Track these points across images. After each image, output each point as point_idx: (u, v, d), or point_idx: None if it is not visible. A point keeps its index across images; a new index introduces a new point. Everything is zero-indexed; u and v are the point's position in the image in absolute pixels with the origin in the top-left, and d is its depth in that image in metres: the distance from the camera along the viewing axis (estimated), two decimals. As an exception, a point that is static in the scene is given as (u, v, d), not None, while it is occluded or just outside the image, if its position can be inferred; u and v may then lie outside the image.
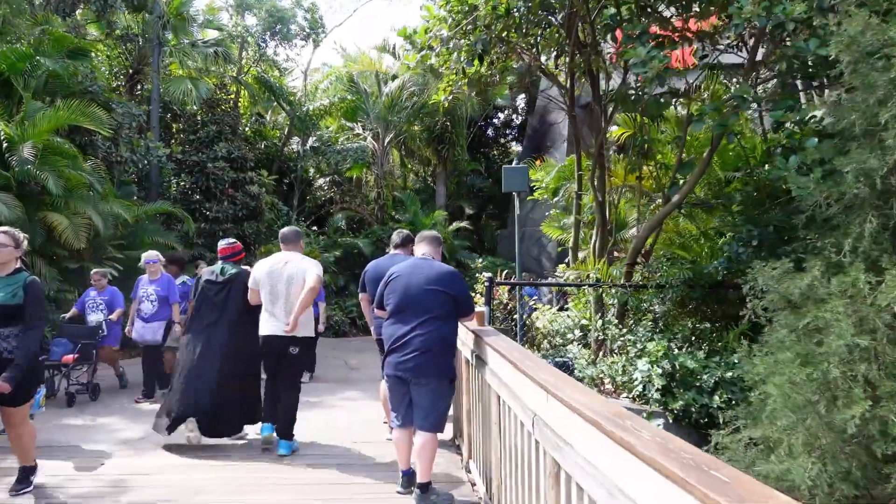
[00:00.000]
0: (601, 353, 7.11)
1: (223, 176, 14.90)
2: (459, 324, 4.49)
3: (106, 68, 18.78)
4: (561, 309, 8.43)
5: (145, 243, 12.45)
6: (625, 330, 6.10)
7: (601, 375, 6.07)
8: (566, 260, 9.39)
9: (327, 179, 21.41)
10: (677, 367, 5.34)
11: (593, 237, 7.25)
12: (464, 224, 19.41)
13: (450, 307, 4.27)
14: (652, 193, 8.49)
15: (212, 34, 17.74)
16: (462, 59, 6.63)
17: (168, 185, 16.92)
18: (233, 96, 17.40)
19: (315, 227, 20.41)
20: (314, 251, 15.64)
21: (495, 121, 27.93)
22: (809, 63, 5.22)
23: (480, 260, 19.94)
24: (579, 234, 8.27)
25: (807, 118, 5.15)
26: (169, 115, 18.35)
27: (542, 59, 8.22)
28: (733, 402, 4.96)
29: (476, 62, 6.55)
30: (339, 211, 19.95)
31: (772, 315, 3.88)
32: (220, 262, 5.45)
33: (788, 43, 5.29)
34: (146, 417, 6.14)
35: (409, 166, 25.69)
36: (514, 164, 8.12)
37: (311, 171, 21.21)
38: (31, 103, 10.48)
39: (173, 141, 17.49)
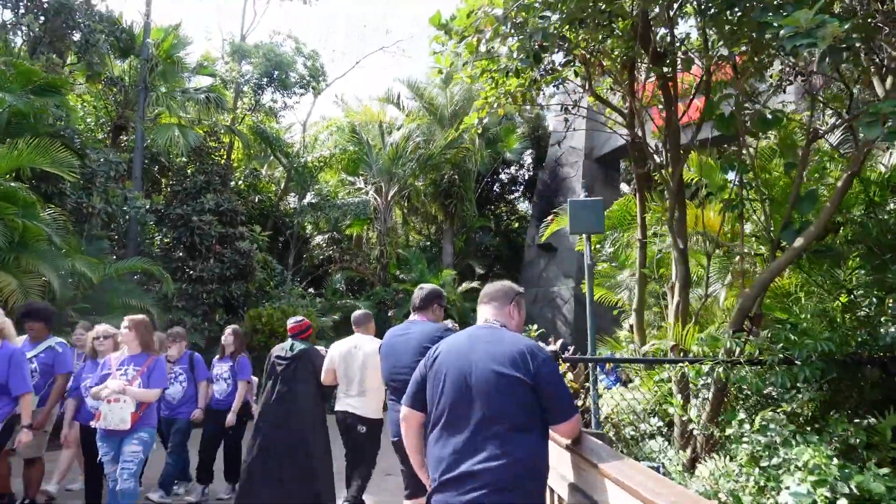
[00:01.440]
0: (688, 450, 5.33)
1: (210, 231, 13.31)
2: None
3: (92, 119, 17.55)
4: (623, 385, 6.71)
5: (114, 307, 10.72)
6: (750, 427, 4.37)
7: (717, 491, 4.28)
8: (628, 325, 7.67)
9: (325, 237, 19.88)
10: (853, 489, 3.58)
11: (674, 297, 5.61)
12: (474, 284, 17.74)
13: (535, 408, 2.58)
14: (728, 243, 6.89)
15: (205, 81, 16.56)
16: (515, 54, 5.19)
17: (151, 241, 15.33)
18: (225, 145, 16.03)
19: (311, 289, 18.72)
20: (311, 314, 13.89)
21: (503, 176, 26.74)
22: None
23: (492, 323, 18.16)
24: (644, 292, 6.62)
25: None
26: (157, 168, 16.98)
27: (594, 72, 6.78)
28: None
29: (532, 60, 5.11)
30: (339, 271, 18.30)
31: None
32: (289, 338, 5.66)
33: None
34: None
35: (412, 224, 24.26)
36: (581, 198, 6.43)
37: (309, 227, 19.70)
38: (-16, 143, 8.97)
39: (160, 195, 16.01)
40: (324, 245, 19.57)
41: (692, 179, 7.71)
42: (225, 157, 16.10)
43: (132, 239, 13.19)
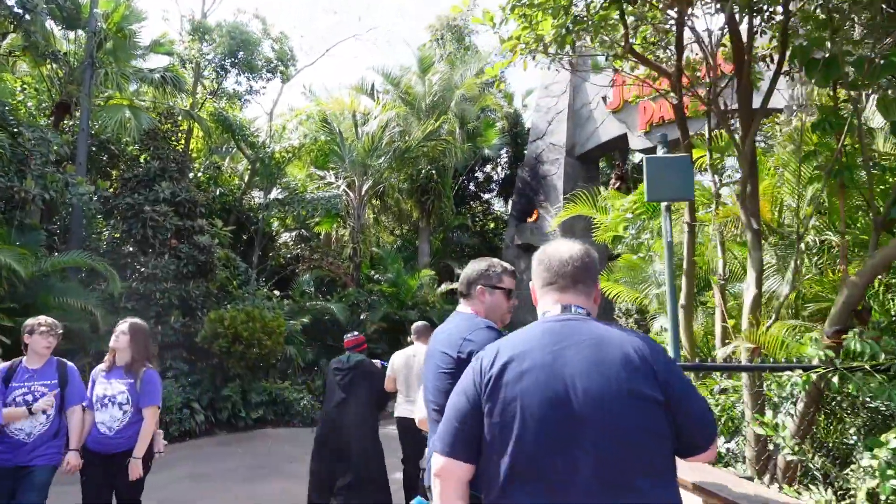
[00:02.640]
0: (766, 476, 4.31)
1: (165, 223, 11.85)
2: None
3: (33, 102, 15.83)
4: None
5: (50, 307, 9.22)
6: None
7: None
8: (660, 325, 6.61)
9: (293, 234, 18.47)
10: None
11: (749, 289, 4.56)
12: (455, 286, 16.58)
13: (670, 442, 1.63)
14: (781, 229, 5.90)
15: (160, 62, 15.05)
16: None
17: (98, 235, 13.74)
18: (183, 129, 14.53)
19: (278, 290, 17.29)
20: (278, 317, 12.55)
21: (478, 174, 25.69)
22: None
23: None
24: (694, 285, 5.57)
25: None
26: (105, 157, 15.36)
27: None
28: None
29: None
30: (307, 270, 16.93)
31: None
32: (346, 351, 5.88)
33: None
34: None
35: (382, 223, 23.00)
36: (658, 155, 5.23)
37: (275, 224, 18.26)
38: None
39: (109, 184, 14.41)
40: (291, 243, 18.17)
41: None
42: (183, 143, 14.60)
43: (75, 231, 11.64)
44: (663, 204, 4.39)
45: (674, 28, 5.62)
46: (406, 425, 5.62)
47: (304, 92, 21.86)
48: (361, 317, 15.98)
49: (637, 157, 29.15)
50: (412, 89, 18.28)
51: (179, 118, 14.05)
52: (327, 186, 18.22)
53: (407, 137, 17.45)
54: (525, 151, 25.53)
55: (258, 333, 11.81)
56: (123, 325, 4.38)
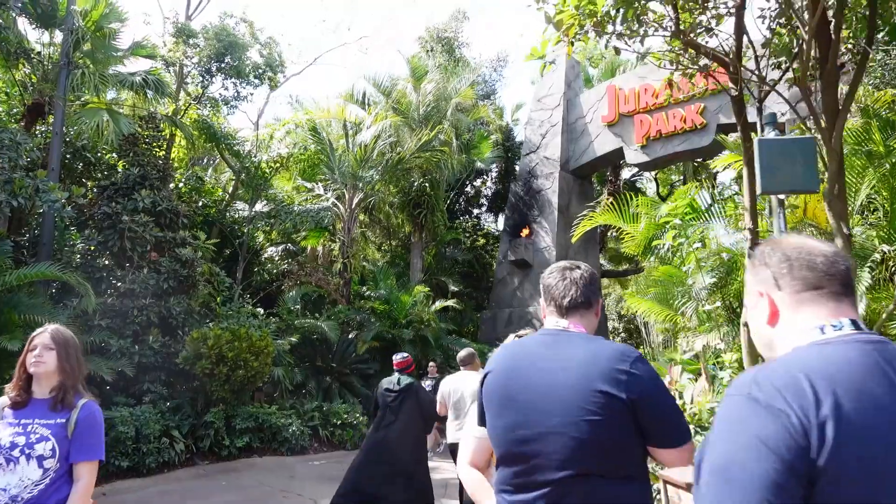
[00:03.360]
0: None
1: (145, 234, 10.98)
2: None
3: (3, 108, 14.88)
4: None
5: (15, 325, 8.31)
6: None
7: None
8: (700, 344, 5.93)
9: (280, 249, 17.62)
10: None
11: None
12: (450, 303, 15.88)
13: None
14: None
15: (142, 66, 14.23)
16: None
17: (72, 246, 12.79)
18: (165, 135, 13.68)
19: (262, 307, 16.39)
20: (265, 335, 11.69)
21: (468, 189, 25.09)
22: None
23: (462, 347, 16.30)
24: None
25: None
26: (81, 165, 14.43)
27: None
28: None
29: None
30: (294, 286, 16.08)
31: None
32: (396, 373, 6.07)
33: None
34: None
35: (370, 237, 22.23)
36: (772, 137, 4.50)
37: (261, 237, 17.41)
38: None
39: (84, 192, 13.48)
40: (277, 258, 17.31)
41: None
42: (165, 149, 13.75)
43: (45, 242, 10.72)
44: (774, 198, 3.61)
45: (729, 12, 5.03)
46: (455, 451, 5.62)
47: (291, 102, 21.12)
48: (352, 335, 15.17)
49: (628, 173, 28.85)
50: (405, 98, 17.67)
51: (162, 124, 13.22)
52: (315, 199, 17.44)
53: (399, 148, 16.79)
54: (517, 166, 25.04)
55: (244, 354, 10.95)
56: (44, 336, 2.74)
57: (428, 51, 23.56)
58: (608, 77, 23.73)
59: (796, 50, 5.12)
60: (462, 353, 6.06)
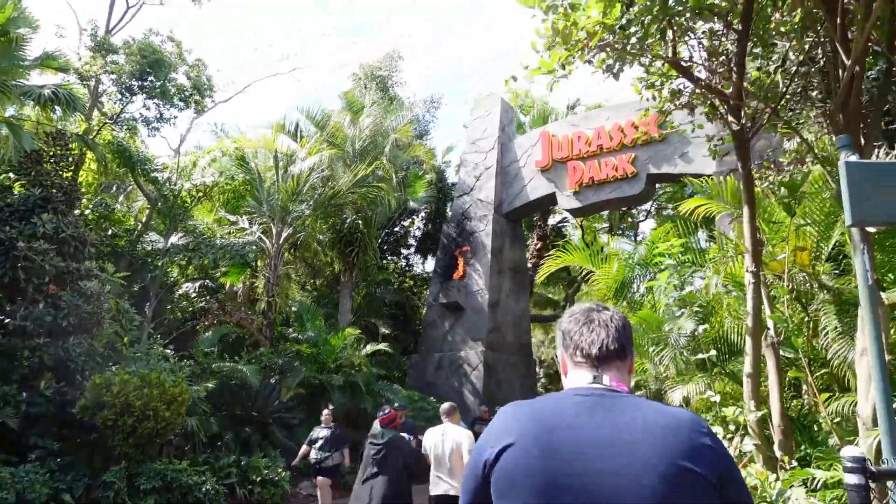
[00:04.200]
0: None
1: (43, 264, 9.63)
2: None
3: None
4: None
5: None
6: None
7: None
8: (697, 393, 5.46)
9: (197, 285, 16.26)
10: None
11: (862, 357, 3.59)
12: (382, 346, 15.06)
13: None
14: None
15: (51, 80, 12.90)
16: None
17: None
18: (74, 154, 12.31)
19: (173, 348, 14.92)
20: (179, 382, 10.45)
21: (397, 229, 24.51)
22: None
23: (395, 394, 15.49)
24: (760, 350, 4.52)
25: None
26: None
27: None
28: None
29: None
30: (212, 326, 14.78)
31: None
32: (379, 426, 6.39)
33: None
34: None
35: (295, 276, 21.09)
36: (859, 160, 4.03)
37: (175, 272, 16.01)
38: None
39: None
40: (194, 294, 15.92)
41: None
42: (73, 171, 12.37)
43: (-82, 270, 9.17)
44: (857, 232, 3.03)
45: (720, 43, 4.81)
46: (443, 500, 5.99)
47: (216, 130, 19.97)
48: (272, 380, 14.01)
49: (555, 219, 29.27)
50: (340, 132, 17.03)
51: (71, 143, 11.91)
52: (239, 233, 16.30)
53: (333, 183, 16.06)
54: (448, 207, 24.79)
55: (155, 402, 9.68)
56: None
57: (362, 87, 23.16)
58: (539, 124, 24.12)
59: (784, 88, 4.95)
60: (444, 406, 6.51)
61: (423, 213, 24.72)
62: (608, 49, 4.19)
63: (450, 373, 19.23)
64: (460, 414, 14.91)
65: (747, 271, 4.52)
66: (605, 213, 28.79)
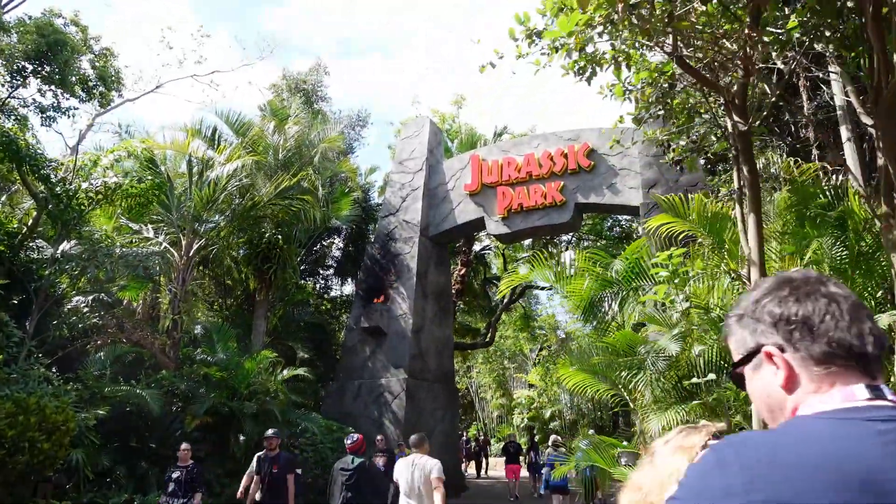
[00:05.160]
0: None
1: None
2: None
3: None
4: None
5: None
6: None
7: None
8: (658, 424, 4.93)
9: (90, 299, 14.45)
10: None
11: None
12: (300, 371, 13.90)
13: None
14: None
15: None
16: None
17: None
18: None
19: (56, 369, 13.07)
20: (64, 408, 8.93)
21: (316, 248, 23.31)
22: None
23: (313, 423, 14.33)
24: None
25: None
26: None
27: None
28: None
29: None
30: (106, 345, 13.10)
31: None
32: (349, 455, 7.10)
33: None
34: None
35: (201, 293, 19.41)
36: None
37: (65, 283, 14.17)
38: None
39: None
40: (86, 309, 14.10)
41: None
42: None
43: None
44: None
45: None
46: None
47: (120, 132, 18.28)
48: (174, 407, 12.52)
49: (478, 246, 29.02)
50: (263, 140, 15.90)
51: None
52: (143, 242, 14.71)
53: (254, 193, 14.89)
54: (369, 229, 23.91)
55: (32, 432, 8.20)
56: None
57: (282, 99, 22.07)
58: (466, 149, 23.90)
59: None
60: (414, 437, 6.69)
61: (344, 233, 23.70)
62: (635, 16, 3.67)
63: (369, 401, 18.16)
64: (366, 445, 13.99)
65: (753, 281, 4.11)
66: (527, 242, 28.93)
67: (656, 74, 4.98)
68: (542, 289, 30.22)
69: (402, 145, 22.43)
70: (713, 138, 5.47)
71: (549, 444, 17.57)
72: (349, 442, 7.09)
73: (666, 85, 5.25)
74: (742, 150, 4.40)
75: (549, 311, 35.26)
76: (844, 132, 6.81)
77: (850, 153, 6.74)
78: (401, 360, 18.51)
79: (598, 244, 27.51)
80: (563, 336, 34.41)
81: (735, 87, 4.34)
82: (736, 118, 4.32)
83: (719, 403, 4.94)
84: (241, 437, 11.96)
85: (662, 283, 4.85)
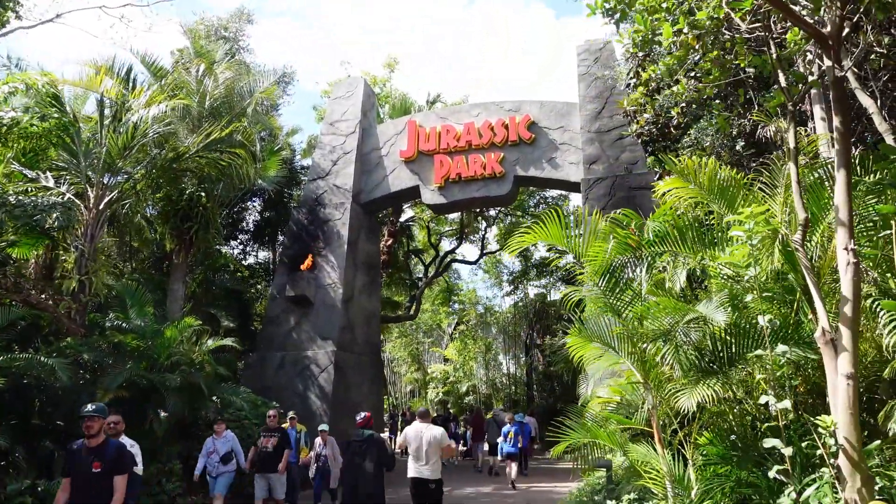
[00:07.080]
0: None
1: None
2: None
3: None
4: None
5: None
6: None
7: None
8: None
9: (-26, 254, 12.47)
10: None
11: None
12: (228, 341, 12.69)
13: None
14: None
15: None
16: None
17: None
18: None
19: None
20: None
21: (236, 209, 21.63)
22: None
23: (239, 397, 13.24)
24: (857, 346, 3.68)
25: None
26: None
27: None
28: None
29: None
30: (-3, 308, 11.30)
31: None
32: (360, 429, 7.56)
33: None
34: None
35: (105, 252, 17.43)
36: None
37: (-57, 235, 12.11)
38: None
39: None
40: (-30, 266, 12.09)
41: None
42: None
43: None
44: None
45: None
46: (417, 483, 7.41)
47: (7, 64, 15.89)
48: (81, 382, 11.02)
49: (405, 216, 28.19)
50: (187, 85, 14.25)
51: None
52: (42, 192, 12.83)
53: (176, 143, 13.35)
54: (291, 193, 22.49)
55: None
56: None
57: (201, 46, 20.08)
58: (399, 115, 22.91)
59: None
60: (420, 409, 7.97)
61: (264, 196, 22.12)
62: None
63: (293, 374, 17.11)
64: (301, 422, 13.10)
65: (844, 249, 3.74)
66: (453, 216, 28.40)
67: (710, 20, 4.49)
68: (468, 263, 29.95)
69: (332, 106, 21.12)
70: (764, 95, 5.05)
71: (503, 418, 17.59)
72: (359, 418, 7.60)
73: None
74: (837, 99, 4.00)
75: (470, 286, 35.17)
76: None
77: None
78: (329, 332, 17.55)
79: (523, 220, 27.47)
80: (482, 311, 34.49)
81: (829, 28, 3.92)
82: (829, 61, 3.90)
83: (749, 379, 4.63)
84: (162, 414, 10.73)
85: (739, 247, 4.39)
